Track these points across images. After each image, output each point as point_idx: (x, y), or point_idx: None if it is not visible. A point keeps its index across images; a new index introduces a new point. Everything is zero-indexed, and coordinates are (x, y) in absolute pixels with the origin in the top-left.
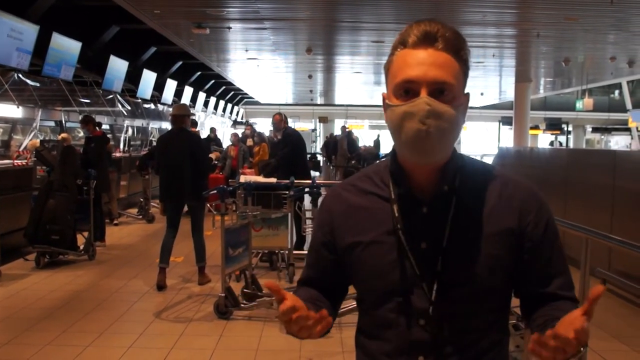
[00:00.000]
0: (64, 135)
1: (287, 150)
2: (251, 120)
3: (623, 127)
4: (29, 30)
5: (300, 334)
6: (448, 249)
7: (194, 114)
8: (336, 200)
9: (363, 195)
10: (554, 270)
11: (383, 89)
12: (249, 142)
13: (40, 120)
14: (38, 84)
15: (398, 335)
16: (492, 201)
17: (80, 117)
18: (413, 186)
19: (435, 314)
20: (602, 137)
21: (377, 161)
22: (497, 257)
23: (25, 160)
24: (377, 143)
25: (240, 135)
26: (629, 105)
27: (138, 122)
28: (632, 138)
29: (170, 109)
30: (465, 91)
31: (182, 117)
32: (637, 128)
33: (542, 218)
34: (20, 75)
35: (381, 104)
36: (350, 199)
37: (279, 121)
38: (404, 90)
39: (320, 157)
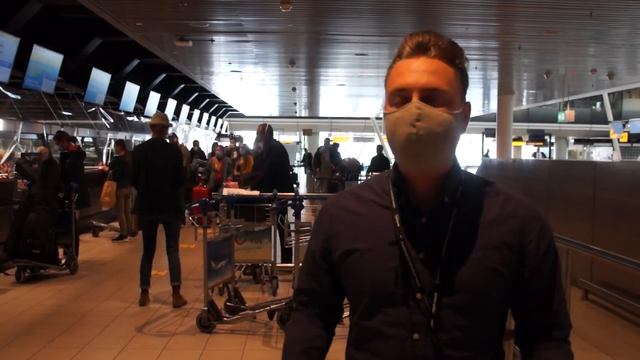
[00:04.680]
0: (40, 148)
1: (271, 162)
2: (236, 133)
3: (605, 139)
4: (9, 43)
5: None
6: (447, 260)
7: (171, 124)
8: (336, 206)
9: (363, 203)
10: (552, 295)
11: (366, 101)
12: (234, 154)
13: (22, 133)
14: (19, 97)
15: (394, 349)
16: (493, 216)
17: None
18: (414, 196)
19: (435, 326)
20: (585, 148)
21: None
22: (495, 271)
23: (6, 174)
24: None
25: (224, 149)
26: (610, 117)
27: (121, 135)
28: (613, 149)
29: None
30: (466, 100)
31: (162, 127)
32: (618, 139)
33: (544, 238)
34: (0, 88)
35: (365, 116)
36: (349, 206)
37: (261, 131)
38: (397, 97)
39: (297, 170)
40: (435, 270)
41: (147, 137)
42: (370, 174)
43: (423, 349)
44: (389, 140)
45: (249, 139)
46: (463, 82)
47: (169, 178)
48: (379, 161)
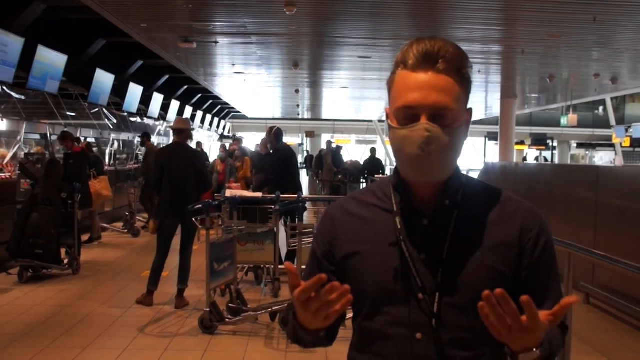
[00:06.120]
0: (37, 149)
1: (272, 164)
2: (238, 135)
3: (607, 143)
4: (14, 43)
5: (317, 315)
6: (448, 261)
7: (193, 128)
8: (338, 210)
9: (365, 207)
10: (548, 293)
11: (369, 104)
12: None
13: (25, 133)
14: (23, 97)
15: (396, 349)
16: (493, 217)
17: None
18: (415, 199)
19: (437, 325)
20: (587, 152)
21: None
22: (496, 271)
23: (9, 174)
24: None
25: (228, 150)
26: (612, 121)
27: (124, 136)
28: (616, 154)
29: (156, 122)
30: (468, 106)
31: (187, 132)
32: (620, 144)
33: (542, 237)
34: (4, 88)
35: (368, 119)
36: (351, 210)
37: (269, 133)
38: (405, 114)
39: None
40: (436, 270)
41: (151, 138)
42: (370, 178)
43: (425, 349)
44: (395, 152)
45: (252, 140)
46: (467, 91)
47: (192, 182)
48: (371, 165)
